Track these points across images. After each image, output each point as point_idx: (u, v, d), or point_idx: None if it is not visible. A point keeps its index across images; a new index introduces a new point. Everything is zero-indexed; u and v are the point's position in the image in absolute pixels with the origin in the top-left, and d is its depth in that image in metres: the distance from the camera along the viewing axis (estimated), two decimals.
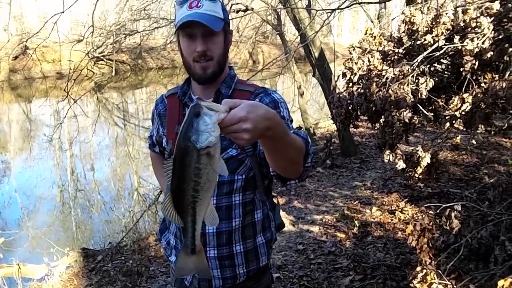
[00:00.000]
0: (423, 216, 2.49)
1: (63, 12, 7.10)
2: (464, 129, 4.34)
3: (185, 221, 1.38)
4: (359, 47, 4.39)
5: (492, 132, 4.27)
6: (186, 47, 1.79)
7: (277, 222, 2.04)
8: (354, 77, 4.28)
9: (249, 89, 1.89)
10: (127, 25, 13.23)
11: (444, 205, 2.69)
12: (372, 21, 10.74)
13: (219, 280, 1.90)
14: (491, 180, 5.90)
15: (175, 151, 1.28)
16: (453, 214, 2.44)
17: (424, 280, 1.85)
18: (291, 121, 1.82)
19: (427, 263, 2.30)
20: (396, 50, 4.25)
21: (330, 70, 8.23)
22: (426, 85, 3.63)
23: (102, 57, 21.34)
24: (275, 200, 2.06)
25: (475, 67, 3.51)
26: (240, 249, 1.90)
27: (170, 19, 11.29)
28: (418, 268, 1.97)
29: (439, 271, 2.03)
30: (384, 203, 5.94)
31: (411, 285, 1.94)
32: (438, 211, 2.79)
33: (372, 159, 8.34)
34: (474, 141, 4.90)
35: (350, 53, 4.51)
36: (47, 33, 8.79)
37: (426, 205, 3.15)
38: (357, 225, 5.24)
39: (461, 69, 3.57)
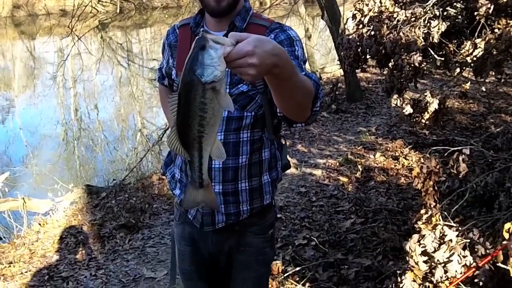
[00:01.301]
0: (430, 158, 2.47)
1: None
2: (473, 77, 4.28)
3: (192, 155, 1.35)
4: None
5: (502, 80, 4.20)
6: None
7: (283, 162, 2.02)
8: (364, 19, 4.17)
9: (265, 23, 1.81)
10: None
11: (452, 149, 2.66)
12: None
13: (222, 215, 1.90)
14: (498, 130, 5.87)
15: (180, 85, 1.24)
16: (461, 158, 2.42)
17: (429, 222, 1.85)
18: (305, 61, 1.76)
19: (432, 206, 2.30)
20: None
21: (339, 12, 8.06)
22: (438, 29, 3.54)
23: None
24: (282, 141, 2.03)
25: (490, 11, 3.40)
26: (245, 186, 1.88)
27: None
28: (423, 211, 1.97)
29: (445, 213, 2.02)
30: (388, 149, 5.93)
31: (416, 226, 1.94)
32: (445, 154, 2.75)
33: (377, 105, 8.28)
34: (483, 89, 4.83)
35: None
36: None
37: (433, 148, 3.11)
38: (360, 169, 5.25)
39: (475, 13, 3.47)
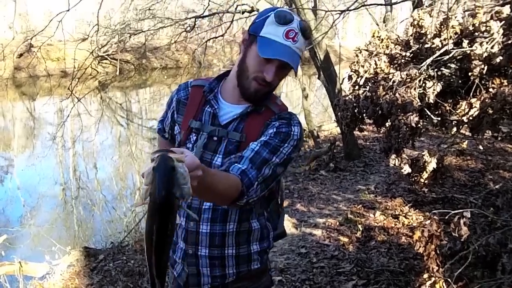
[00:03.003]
0: (431, 222, 2.45)
1: (68, 10, 7.10)
2: (470, 135, 4.31)
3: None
4: (366, 50, 4.36)
5: (499, 138, 4.22)
6: (256, 63, 1.73)
7: (278, 231, 2.02)
8: (360, 80, 4.25)
9: (275, 109, 1.84)
10: (132, 24, 13.21)
11: (452, 212, 2.64)
12: (377, 24, 10.70)
13: (208, 277, 1.89)
14: (497, 186, 5.86)
15: (154, 207, 1.20)
16: (462, 221, 2.40)
17: None
18: (286, 161, 1.75)
19: (435, 270, 2.26)
20: (403, 54, 4.21)
21: (335, 73, 8.19)
22: (434, 90, 3.59)
23: (106, 56, 21.36)
24: (280, 209, 2.04)
25: (484, 71, 3.47)
26: (232, 253, 1.87)
27: (175, 19, 11.27)
28: (425, 275, 1.93)
29: (448, 279, 1.98)
30: (388, 207, 5.90)
31: None
32: (446, 217, 2.72)
33: (375, 163, 8.29)
34: (480, 147, 4.85)
35: (357, 55, 4.47)
36: (52, 31, 8.80)
37: (433, 211, 3.10)
38: (361, 229, 5.20)
39: (470, 74, 3.53)
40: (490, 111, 3.61)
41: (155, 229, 1.22)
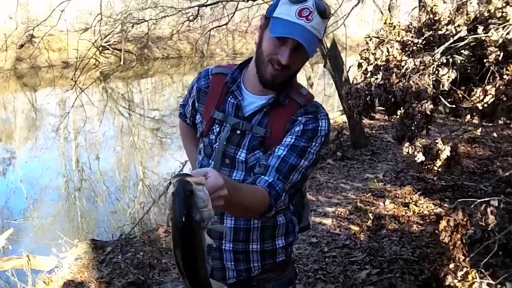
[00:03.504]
0: (457, 211, 2.40)
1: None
2: (481, 122, 4.27)
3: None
4: (377, 37, 4.30)
5: None
6: (270, 45, 1.64)
7: (302, 224, 1.98)
8: (370, 67, 4.19)
9: (301, 101, 1.76)
10: (134, 14, 13.13)
11: (478, 201, 2.59)
12: (381, 12, 10.60)
13: (233, 271, 1.85)
14: (507, 174, 5.83)
15: (177, 234, 1.20)
16: (489, 210, 2.36)
17: (465, 279, 1.78)
18: (315, 160, 1.71)
19: (461, 260, 2.22)
20: (416, 41, 4.15)
21: (342, 61, 8.12)
22: (449, 77, 3.54)
23: (108, 47, 21.25)
24: (304, 201, 2.00)
25: (500, 58, 3.41)
26: (256, 248, 1.83)
27: (178, 8, 11.17)
28: (451, 265, 1.90)
29: (481, 269, 1.94)
30: (397, 195, 5.87)
31: (447, 283, 1.86)
32: (472, 206, 2.67)
33: (383, 151, 8.25)
34: (494, 134, 4.81)
35: (367, 43, 4.42)
36: (54, 21, 8.73)
37: (459, 199, 3.03)
38: (371, 218, 5.17)
39: (485, 60, 3.47)
40: (504, 98, 3.55)
41: (178, 254, 1.22)
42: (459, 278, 1.81)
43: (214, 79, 1.88)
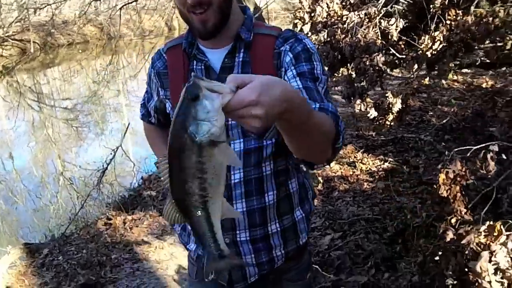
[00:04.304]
0: (455, 161, 2.27)
1: None
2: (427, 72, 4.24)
3: (199, 226, 1.10)
4: None
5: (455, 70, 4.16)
6: None
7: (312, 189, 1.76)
8: (306, 27, 4.02)
9: (272, 32, 1.53)
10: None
11: (474, 147, 2.48)
12: None
13: (254, 267, 1.61)
14: (444, 121, 5.91)
15: (169, 146, 0.99)
16: (489, 156, 2.24)
17: (492, 235, 1.65)
18: (327, 79, 1.47)
19: (463, 212, 2.11)
20: None
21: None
22: (397, 26, 3.42)
23: (8, 38, 19.92)
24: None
25: (446, 2, 3.33)
26: (276, 228, 1.60)
27: None
28: (453, 220, 1.78)
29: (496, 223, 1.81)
30: (341, 156, 5.78)
31: (447, 239, 1.73)
32: (468, 154, 2.56)
33: None
34: (443, 81, 4.80)
35: (300, 1, 4.24)
36: None
37: (459, 148, 2.86)
38: (321, 181, 5.06)
39: (431, 6, 3.38)
40: (453, 43, 3.50)
41: (171, 176, 1.02)
42: (483, 234, 1.67)
43: (170, 55, 1.64)
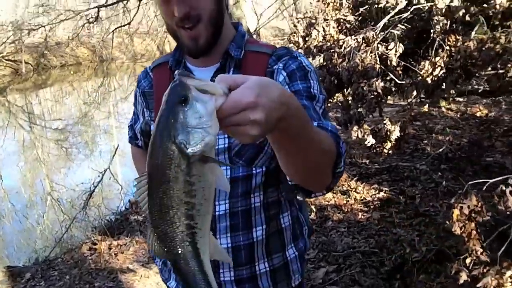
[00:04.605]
0: (470, 196, 2.11)
1: None
2: (424, 99, 4.12)
3: (186, 265, 0.90)
4: (309, 17, 4.03)
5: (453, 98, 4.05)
6: (163, 12, 1.31)
7: (308, 224, 1.60)
8: (300, 52, 3.91)
9: (266, 50, 1.39)
10: (28, 21, 12.30)
11: (490, 181, 2.32)
12: None
13: None
14: (440, 150, 5.79)
15: (149, 160, 0.82)
16: (508, 190, 2.09)
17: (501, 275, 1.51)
18: (324, 99, 1.33)
19: (479, 252, 1.94)
20: (348, 18, 3.91)
21: None
22: (396, 51, 3.31)
23: (1, 58, 19.84)
24: (299, 197, 1.57)
25: (447, 27, 3.22)
26: (265, 268, 1.43)
27: (77, 10, 10.48)
28: (468, 260, 1.63)
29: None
30: None
31: (460, 281, 1.58)
32: (486, 188, 2.38)
33: None
34: (443, 108, 4.69)
35: (295, 25, 4.14)
36: None
37: (470, 182, 2.69)
38: (314, 210, 4.90)
39: (432, 31, 3.27)
40: (453, 69, 3.38)
41: (150, 200, 0.83)
42: (494, 276, 1.52)
43: (156, 73, 1.51)
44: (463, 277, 1.71)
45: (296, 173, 1.10)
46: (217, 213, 1.37)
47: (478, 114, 7.81)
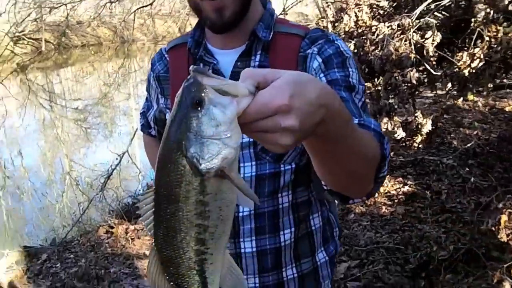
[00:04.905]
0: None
1: None
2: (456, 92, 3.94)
3: None
4: (339, 0, 3.87)
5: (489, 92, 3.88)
6: None
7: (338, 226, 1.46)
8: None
9: (298, 31, 1.24)
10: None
11: None
12: None
13: None
14: (468, 145, 5.61)
15: (157, 174, 0.69)
16: None
17: None
18: (364, 90, 1.18)
19: None
20: (382, 4, 3.74)
21: None
22: (433, 40, 3.14)
23: (23, 36, 19.88)
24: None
25: (489, 16, 3.04)
26: (292, 274, 1.31)
27: None
28: None
29: None
30: None
31: None
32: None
33: None
34: (479, 103, 4.52)
35: (324, 10, 3.98)
36: None
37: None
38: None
39: (473, 20, 3.10)
40: (492, 61, 3.21)
41: (156, 219, 0.71)
42: None
43: (173, 56, 1.35)
44: (506, 286, 1.58)
45: (334, 179, 0.96)
46: (240, 214, 1.24)
47: (507, 109, 7.58)
